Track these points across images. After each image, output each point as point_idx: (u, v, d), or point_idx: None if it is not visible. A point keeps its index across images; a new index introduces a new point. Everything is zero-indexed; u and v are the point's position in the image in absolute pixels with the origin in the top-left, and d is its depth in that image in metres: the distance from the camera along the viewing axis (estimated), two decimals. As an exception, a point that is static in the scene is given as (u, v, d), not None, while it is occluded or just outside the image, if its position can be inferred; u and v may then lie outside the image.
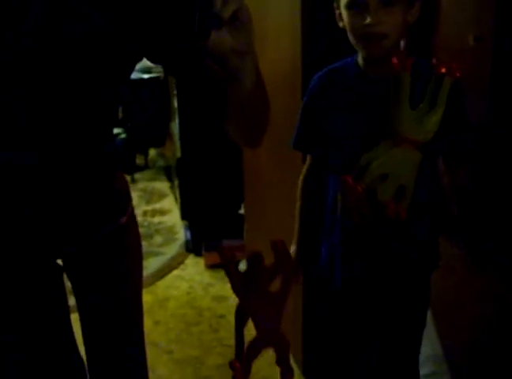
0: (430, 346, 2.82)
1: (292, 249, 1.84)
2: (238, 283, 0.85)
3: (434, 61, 1.44)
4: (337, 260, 1.74)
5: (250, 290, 0.85)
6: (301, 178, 1.81)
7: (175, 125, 3.98)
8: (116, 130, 5.22)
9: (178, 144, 3.77)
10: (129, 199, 1.52)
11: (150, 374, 2.62)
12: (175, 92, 3.91)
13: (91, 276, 1.47)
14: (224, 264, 0.84)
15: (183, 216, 3.90)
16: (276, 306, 0.84)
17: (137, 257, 1.54)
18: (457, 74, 1.37)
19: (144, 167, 5.49)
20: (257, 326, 0.84)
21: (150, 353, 2.78)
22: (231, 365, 0.86)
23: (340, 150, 1.65)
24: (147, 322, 3.03)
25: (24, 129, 1.23)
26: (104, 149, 1.39)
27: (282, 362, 0.86)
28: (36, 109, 1.22)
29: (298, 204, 1.82)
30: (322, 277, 1.82)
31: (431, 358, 2.74)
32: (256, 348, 0.85)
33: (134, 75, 5.07)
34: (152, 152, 5.73)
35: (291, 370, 0.86)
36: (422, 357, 2.73)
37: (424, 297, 1.83)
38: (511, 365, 2.38)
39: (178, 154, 3.75)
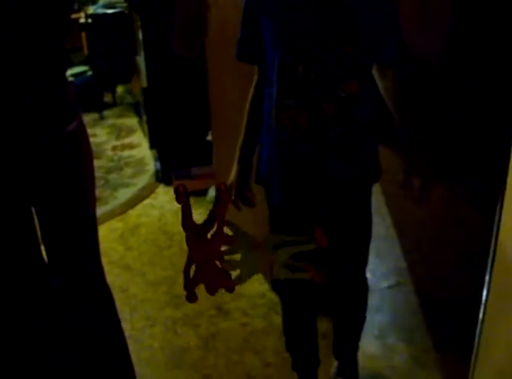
0: (394, 259, 2.96)
1: (232, 176, 1.84)
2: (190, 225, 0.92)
3: None
4: (274, 175, 1.74)
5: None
6: (250, 89, 1.80)
7: (141, 59, 3.97)
8: (82, 68, 5.19)
9: (144, 74, 3.77)
10: (77, 108, 1.65)
11: (124, 294, 2.74)
12: (139, 24, 3.89)
13: (45, 177, 1.60)
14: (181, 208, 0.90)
15: (152, 145, 3.94)
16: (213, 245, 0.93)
17: (86, 160, 1.69)
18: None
19: (113, 105, 5.47)
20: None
21: (123, 276, 2.91)
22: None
23: (272, 59, 1.63)
24: (119, 248, 3.15)
25: None
26: (51, 55, 1.51)
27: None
28: None
29: (245, 115, 1.80)
30: (264, 189, 1.83)
31: (395, 270, 2.88)
32: (196, 280, 0.94)
33: (98, 10, 5.04)
34: (120, 89, 5.70)
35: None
36: (386, 269, 2.88)
37: (366, 211, 1.84)
38: (469, 275, 2.51)
39: (145, 84, 3.77)
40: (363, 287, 2.01)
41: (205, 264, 0.93)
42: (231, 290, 0.95)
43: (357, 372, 2.16)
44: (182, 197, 0.88)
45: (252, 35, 1.68)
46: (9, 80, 1.44)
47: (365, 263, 1.93)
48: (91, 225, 1.73)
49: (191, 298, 0.94)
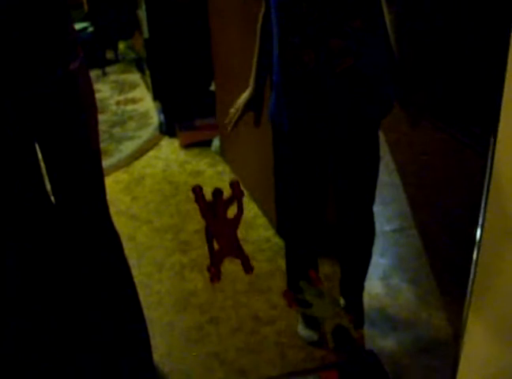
0: (398, 204, 2.98)
1: (246, 94, 1.89)
2: (205, 211, 1.14)
3: None
4: (283, 104, 1.78)
5: (213, 215, 1.15)
6: (258, 25, 1.83)
7: (142, 11, 3.94)
8: (83, 24, 5.15)
9: (145, 26, 3.75)
10: (79, 48, 1.66)
11: (132, 243, 2.78)
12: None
13: (50, 115, 1.62)
14: (195, 197, 1.13)
15: (155, 96, 3.94)
16: (232, 228, 1.16)
17: (89, 97, 1.71)
18: None
19: (115, 61, 5.44)
20: (218, 242, 1.18)
21: (130, 225, 2.94)
22: (208, 269, 1.19)
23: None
24: (125, 198, 3.18)
25: None
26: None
27: (241, 258, 1.21)
28: None
29: (256, 39, 1.84)
30: (274, 121, 1.87)
31: (399, 214, 2.91)
32: (220, 257, 1.19)
33: (97, -35, 4.99)
34: (122, 46, 5.66)
35: (247, 260, 1.22)
36: (390, 214, 2.91)
37: (373, 146, 1.86)
38: (471, 218, 2.53)
39: (146, 35, 3.75)
40: (370, 224, 2.04)
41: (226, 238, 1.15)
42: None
43: (363, 309, 2.20)
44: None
45: None
46: (13, 21, 1.45)
47: (372, 200, 1.96)
48: (95, 161, 1.74)
49: (215, 278, 1.17)
